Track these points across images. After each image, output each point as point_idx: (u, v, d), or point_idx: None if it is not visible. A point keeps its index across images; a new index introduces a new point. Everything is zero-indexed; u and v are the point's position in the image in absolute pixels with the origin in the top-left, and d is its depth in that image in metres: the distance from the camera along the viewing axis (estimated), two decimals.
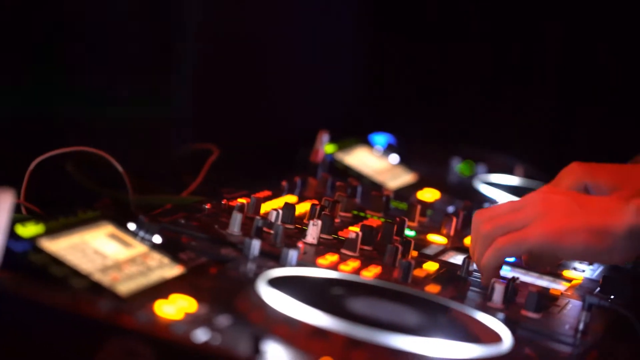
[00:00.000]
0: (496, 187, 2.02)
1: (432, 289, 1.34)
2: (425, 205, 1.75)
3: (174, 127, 2.02)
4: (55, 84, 1.79)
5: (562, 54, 2.42)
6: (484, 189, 1.99)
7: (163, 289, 1.12)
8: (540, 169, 2.19)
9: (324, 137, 1.79)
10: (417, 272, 1.40)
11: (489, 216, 1.37)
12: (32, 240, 1.10)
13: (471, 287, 1.39)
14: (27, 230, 1.11)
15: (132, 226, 1.24)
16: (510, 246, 1.33)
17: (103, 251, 1.16)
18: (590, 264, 1.59)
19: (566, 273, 1.56)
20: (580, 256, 1.32)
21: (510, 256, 1.35)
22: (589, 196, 1.36)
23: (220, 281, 1.19)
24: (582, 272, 1.57)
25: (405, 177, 2.04)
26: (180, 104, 2.02)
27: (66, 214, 1.19)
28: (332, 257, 1.37)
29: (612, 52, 2.37)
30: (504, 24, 2.47)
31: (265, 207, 1.53)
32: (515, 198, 1.89)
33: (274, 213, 1.44)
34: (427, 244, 1.59)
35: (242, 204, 1.44)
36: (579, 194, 1.38)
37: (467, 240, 1.65)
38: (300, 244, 1.36)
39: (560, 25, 2.42)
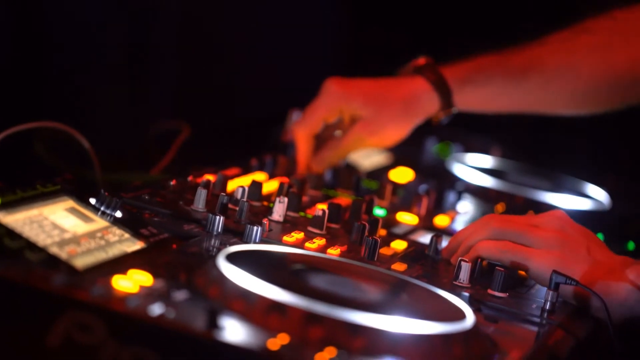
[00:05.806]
0: (471, 167, 2.01)
1: (398, 267, 1.33)
2: (396, 185, 1.73)
3: (146, 105, 2.00)
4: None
5: None
6: (458, 169, 1.98)
7: (121, 263, 1.11)
8: (517, 150, 2.18)
9: (295, 115, 1.78)
10: (384, 251, 1.39)
11: (505, 218, 1.39)
12: None
13: (438, 266, 1.38)
14: None
15: (93, 201, 1.23)
16: (512, 255, 1.33)
17: (61, 225, 1.14)
18: None
19: None
20: None
21: (504, 262, 1.34)
22: (601, 246, 1.36)
23: (179, 256, 1.18)
24: None
25: (379, 157, 2.03)
26: (153, 81, 2.01)
27: (25, 188, 1.18)
28: (298, 235, 1.36)
29: None
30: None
31: (233, 185, 1.51)
32: (489, 179, 1.89)
33: (240, 190, 1.43)
34: (397, 223, 1.58)
35: (208, 181, 1.43)
36: (593, 236, 1.38)
37: (438, 220, 1.64)
38: (265, 221, 1.34)
39: None
